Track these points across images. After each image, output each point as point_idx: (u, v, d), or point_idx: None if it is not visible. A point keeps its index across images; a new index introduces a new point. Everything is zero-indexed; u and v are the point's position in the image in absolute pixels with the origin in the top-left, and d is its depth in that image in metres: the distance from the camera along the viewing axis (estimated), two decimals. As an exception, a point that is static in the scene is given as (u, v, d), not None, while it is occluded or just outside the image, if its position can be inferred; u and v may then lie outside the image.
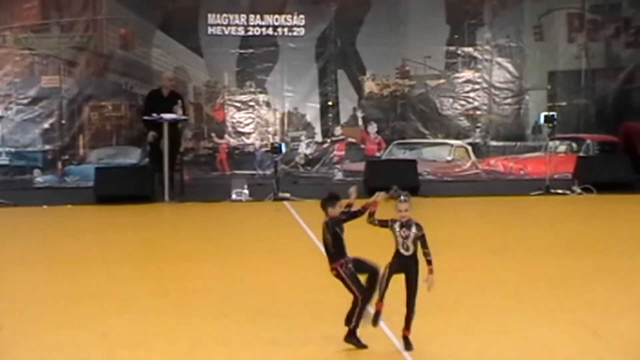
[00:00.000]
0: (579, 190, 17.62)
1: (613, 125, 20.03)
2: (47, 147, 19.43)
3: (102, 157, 19.62)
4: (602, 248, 12.53)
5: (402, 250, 7.65)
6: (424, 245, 7.63)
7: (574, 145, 20.32)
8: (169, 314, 9.27)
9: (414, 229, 7.65)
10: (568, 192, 17.66)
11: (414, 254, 7.65)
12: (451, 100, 20.29)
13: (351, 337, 7.75)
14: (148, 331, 8.66)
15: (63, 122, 19.39)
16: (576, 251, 12.30)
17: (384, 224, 7.70)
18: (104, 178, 17.59)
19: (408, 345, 7.72)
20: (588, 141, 20.20)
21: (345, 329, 7.78)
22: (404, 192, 7.84)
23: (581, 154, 19.61)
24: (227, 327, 8.76)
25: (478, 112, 20.28)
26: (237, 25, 19.78)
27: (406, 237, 7.65)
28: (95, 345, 8.21)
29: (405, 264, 7.64)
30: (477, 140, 20.26)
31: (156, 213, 16.36)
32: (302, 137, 20.14)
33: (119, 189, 17.10)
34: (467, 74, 20.32)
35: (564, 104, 20.39)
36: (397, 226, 7.68)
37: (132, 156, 19.47)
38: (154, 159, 17.70)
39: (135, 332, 8.62)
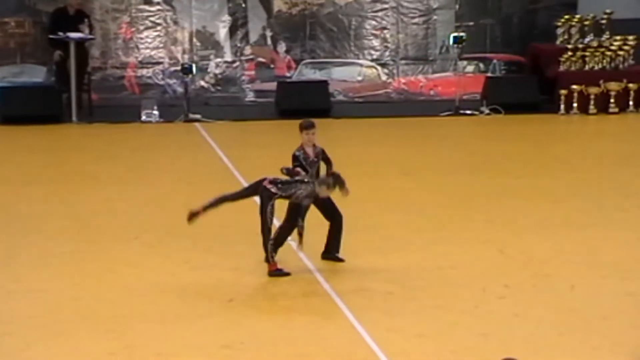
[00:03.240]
0: (487, 111, 17.81)
1: (519, 45, 20.19)
2: (-52, 65, 18.83)
3: (6, 75, 19.09)
4: (509, 169, 12.76)
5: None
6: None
7: (481, 65, 20.48)
8: (78, 236, 9.21)
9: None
10: (477, 112, 17.84)
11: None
12: (360, 19, 20.19)
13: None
14: (56, 253, 8.60)
15: (-36, 38, 18.79)
16: (483, 172, 12.50)
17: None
18: (8, 98, 17.16)
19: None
20: (495, 61, 20.37)
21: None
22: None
23: (489, 75, 19.79)
24: (138, 249, 8.75)
25: (386, 32, 20.25)
26: (143, -62, 19.29)
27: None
28: (2, 267, 8.13)
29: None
30: (387, 60, 20.26)
31: (64, 134, 16.09)
32: (211, 57, 19.88)
33: (24, 109, 16.71)
34: (376, -7, 20.20)
35: (471, 23, 20.45)
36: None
37: (38, 75, 18.98)
38: (60, 78, 17.31)
39: (44, 254, 8.56)
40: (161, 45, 19.42)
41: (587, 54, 18.05)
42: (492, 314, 7.09)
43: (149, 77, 19.30)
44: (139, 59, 19.31)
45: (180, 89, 18.46)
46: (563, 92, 17.55)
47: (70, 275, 7.93)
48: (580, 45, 18.18)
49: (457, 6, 20.41)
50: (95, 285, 7.67)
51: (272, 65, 19.92)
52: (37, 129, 16.03)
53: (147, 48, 19.40)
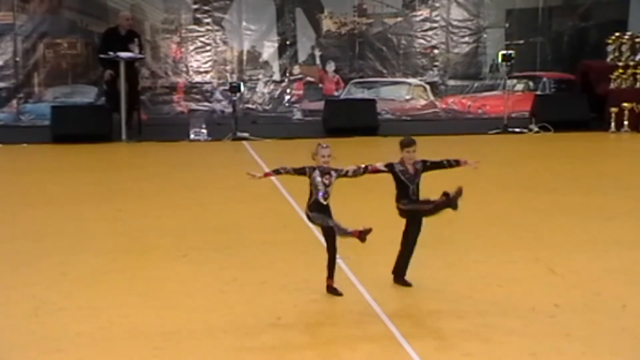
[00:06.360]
0: (536, 129, 17.74)
1: (569, 63, 20.12)
2: (2, 85, 19.14)
3: (58, 95, 19.38)
4: (558, 186, 12.66)
5: (321, 199, 7.54)
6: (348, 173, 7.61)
7: (531, 83, 20.41)
8: (127, 254, 9.26)
9: (334, 174, 7.54)
10: (526, 130, 17.77)
11: (329, 203, 7.56)
12: (409, 38, 20.22)
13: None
14: (107, 270, 8.65)
15: (17, 59, 19.09)
16: (533, 190, 12.41)
17: (300, 171, 7.52)
18: (60, 117, 17.43)
19: (335, 291, 7.73)
20: (545, 79, 20.29)
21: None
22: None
23: (538, 93, 19.70)
24: (186, 266, 8.77)
25: (436, 51, 20.25)
26: (194, -39, 19.51)
27: (329, 185, 7.54)
28: (54, 284, 8.19)
29: (326, 211, 7.55)
30: (435, 79, 20.25)
31: (114, 152, 16.26)
32: (260, 76, 20.01)
33: (75, 128, 16.96)
34: (425, 12, 20.24)
35: (521, 42, 20.42)
36: (317, 174, 7.53)
37: (89, 95, 19.26)
38: (111, 98, 17.54)
39: (94, 271, 8.61)
40: (210, 65, 19.57)
41: (638, 71, 17.91)
42: (542, 333, 7.00)
43: (198, 96, 19.46)
44: (188, 78, 19.48)
45: (228, 108, 18.60)
46: (614, 109, 17.42)
47: (119, 292, 7.97)
48: (631, 63, 18.05)
49: (507, 24, 20.36)
50: (144, 302, 7.70)
51: (320, 85, 19.99)
52: (87, 147, 16.22)
53: (196, 68, 19.57)
